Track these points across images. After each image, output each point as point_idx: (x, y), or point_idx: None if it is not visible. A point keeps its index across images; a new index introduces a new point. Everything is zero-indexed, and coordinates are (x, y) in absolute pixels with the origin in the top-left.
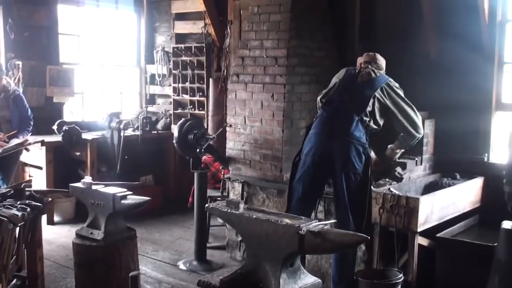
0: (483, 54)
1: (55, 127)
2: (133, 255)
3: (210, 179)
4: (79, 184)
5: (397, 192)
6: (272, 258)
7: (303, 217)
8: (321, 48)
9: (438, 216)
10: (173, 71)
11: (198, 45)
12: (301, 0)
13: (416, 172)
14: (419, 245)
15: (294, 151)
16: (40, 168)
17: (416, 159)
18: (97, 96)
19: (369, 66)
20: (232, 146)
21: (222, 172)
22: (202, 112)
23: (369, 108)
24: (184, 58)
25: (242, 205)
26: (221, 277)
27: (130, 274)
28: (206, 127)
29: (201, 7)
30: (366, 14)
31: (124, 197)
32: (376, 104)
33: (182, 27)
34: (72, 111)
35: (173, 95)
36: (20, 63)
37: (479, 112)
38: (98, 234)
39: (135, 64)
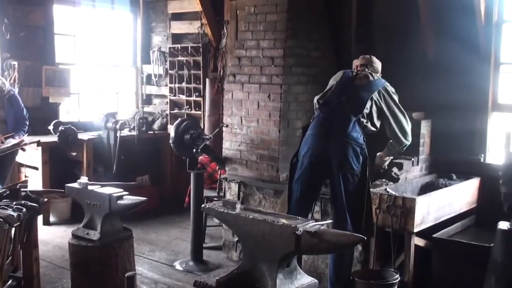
0: (480, 55)
1: (51, 127)
2: (129, 255)
3: (207, 180)
4: (75, 185)
5: (393, 193)
6: (268, 259)
7: (299, 218)
8: (317, 48)
9: (435, 217)
10: (170, 71)
11: (194, 45)
12: (297, 0)
13: (413, 173)
14: (416, 245)
15: (291, 151)
16: (36, 168)
17: (413, 159)
18: (93, 97)
19: (366, 69)
20: (229, 146)
21: (219, 173)
22: (199, 112)
23: (366, 111)
24: (180, 58)
25: (238, 206)
26: (217, 278)
27: (126, 275)
28: (202, 127)
29: (198, 7)
30: (363, 14)
31: (120, 197)
32: (374, 106)
33: (179, 27)
34: (68, 111)
35: (170, 95)
36: (16, 63)
37: (476, 113)
38: (94, 235)
39: (131, 64)
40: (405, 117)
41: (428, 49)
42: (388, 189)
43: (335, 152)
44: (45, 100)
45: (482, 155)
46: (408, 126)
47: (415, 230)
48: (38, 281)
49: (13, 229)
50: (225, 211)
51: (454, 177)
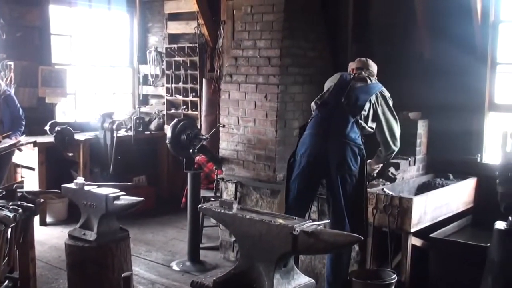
0: (476, 55)
1: (47, 127)
2: (126, 256)
3: (204, 180)
4: (71, 185)
5: (390, 193)
6: (265, 259)
7: (296, 218)
8: (314, 48)
9: (431, 217)
10: (166, 72)
11: (191, 45)
12: (294, 0)
13: (410, 173)
14: (413, 245)
15: (288, 151)
16: (33, 169)
17: (410, 159)
18: (89, 97)
19: (363, 73)
20: (226, 147)
21: (216, 173)
22: (195, 112)
23: (364, 113)
24: (177, 58)
25: (235, 206)
26: (214, 278)
27: (122, 275)
28: (199, 127)
29: (194, 7)
30: (360, 14)
31: (117, 197)
32: (371, 109)
33: (175, 27)
34: (65, 111)
35: (166, 96)
36: (12, 63)
37: (472, 113)
38: (91, 235)
39: (128, 64)
40: (397, 122)
41: (425, 49)
42: (385, 189)
43: (334, 152)
44: (42, 100)
45: (479, 155)
46: (398, 132)
47: (412, 230)
48: (35, 282)
49: (9, 229)
50: (222, 211)
51: (451, 177)
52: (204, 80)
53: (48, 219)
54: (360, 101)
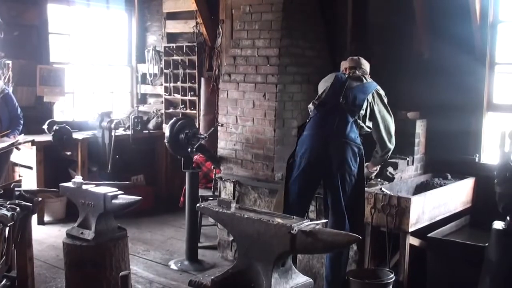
0: (475, 55)
1: (45, 126)
2: (124, 255)
3: (202, 179)
4: (69, 184)
5: (388, 192)
6: (263, 258)
7: (294, 217)
8: (312, 47)
9: (430, 216)
10: (165, 71)
11: (189, 44)
12: None
13: (408, 172)
14: (410, 245)
15: (286, 150)
16: (31, 168)
17: (408, 159)
18: (88, 96)
19: (356, 72)
20: (224, 146)
21: (214, 172)
22: (194, 111)
23: (362, 112)
24: (175, 57)
25: (233, 205)
26: (212, 277)
27: (120, 274)
28: (197, 126)
29: (193, 6)
30: (358, 14)
31: (115, 196)
32: (368, 108)
33: (174, 26)
34: (63, 110)
35: (165, 95)
36: (10, 62)
37: (471, 113)
38: (89, 234)
39: (126, 63)
40: (392, 121)
41: (424, 49)
42: (383, 189)
43: (334, 152)
44: (40, 99)
45: (477, 155)
46: (393, 130)
47: (410, 229)
48: (32, 281)
49: (7, 228)
50: (220, 210)
51: (449, 176)
52: (202, 79)
53: (46, 218)
54: (358, 101)
